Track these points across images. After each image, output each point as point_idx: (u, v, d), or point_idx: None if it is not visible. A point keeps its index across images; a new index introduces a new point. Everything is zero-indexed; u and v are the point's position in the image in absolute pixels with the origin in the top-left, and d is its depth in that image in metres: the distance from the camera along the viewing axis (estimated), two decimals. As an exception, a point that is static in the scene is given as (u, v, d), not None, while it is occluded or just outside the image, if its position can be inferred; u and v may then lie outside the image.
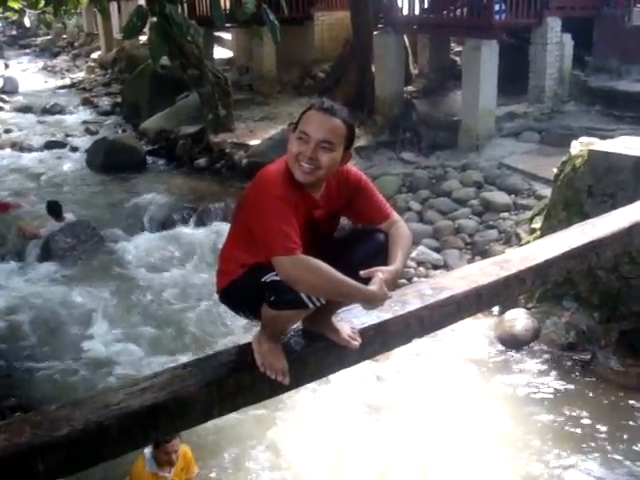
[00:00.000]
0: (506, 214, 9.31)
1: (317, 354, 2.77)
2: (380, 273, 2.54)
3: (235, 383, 2.59)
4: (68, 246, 9.84)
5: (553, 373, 6.60)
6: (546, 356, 6.84)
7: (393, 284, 2.61)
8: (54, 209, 10.27)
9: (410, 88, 14.20)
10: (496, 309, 7.45)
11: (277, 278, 2.48)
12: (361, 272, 2.52)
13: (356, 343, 2.75)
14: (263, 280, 2.53)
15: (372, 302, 2.55)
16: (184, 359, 6.62)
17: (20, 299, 8.44)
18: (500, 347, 7.05)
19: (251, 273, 2.60)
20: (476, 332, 7.23)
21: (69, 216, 10.34)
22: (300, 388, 2.94)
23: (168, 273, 9.30)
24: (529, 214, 8.80)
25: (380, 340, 2.94)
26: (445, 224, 9.39)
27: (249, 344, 2.73)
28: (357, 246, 2.72)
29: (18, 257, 9.67)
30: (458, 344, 7.04)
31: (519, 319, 7.16)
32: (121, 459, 3.19)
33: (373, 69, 13.74)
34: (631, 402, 6.18)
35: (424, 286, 3.27)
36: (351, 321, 2.88)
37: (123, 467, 4.94)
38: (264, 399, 2.74)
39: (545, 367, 6.70)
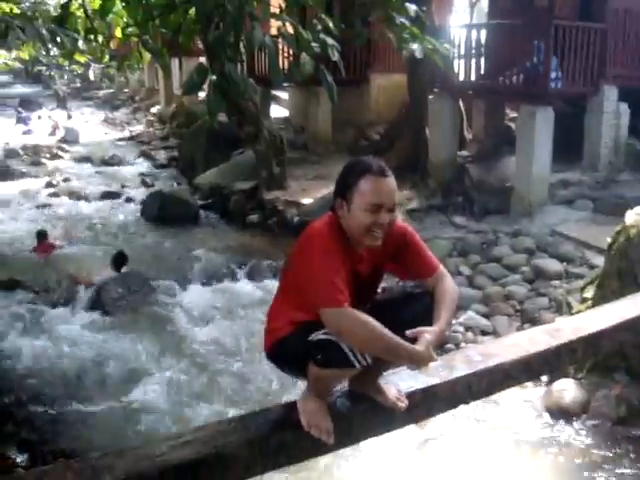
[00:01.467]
0: (557, 282, 9.18)
1: (362, 415, 2.76)
2: (427, 334, 2.53)
3: (278, 441, 2.60)
4: (119, 296, 9.94)
5: (603, 448, 6.41)
6: (596, 430, 6.65)
7: (438, 344, 2.60)
8: (120, 260, 10.44)
9: (464, 153, 14.24)
10: (544, 378, 7.31)
11: (324, 336, 2.49)
12: (407, 332, 2.52)
13: (402, 405, 2.74)
14: (310, 338, 2.54)
15: (418, 362, 2.54)
16: (227, 414, 6.70)
17: (68, 346, 8.52)
18: (547, 418, 6.88)
19: (299, 331, 2.62)
20: (523, 402, 7.08)
21: (124, 269, 10.49)
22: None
23: (215, 326, 9.34)
24: (581, 283, 8.68)
25: (426, 405, 2.92)
26: (495, 290, 9.31)
27: (294, 402, 2.74)
28: (404, 309, 2.72)
29: (68, 304, 9.78)
30: (504, 413, 6.90)
31: (568, 390, 7.00)
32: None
33: (427, 133, 13.84)
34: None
35: (473, 352, 3.25)
36: (397, 384, 2.86)
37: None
38: (307, 459, 2.73)
39: (595, 441, 6.51)
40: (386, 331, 2.47)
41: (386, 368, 2.76)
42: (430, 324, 2.63)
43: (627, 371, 6.98)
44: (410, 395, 2.81)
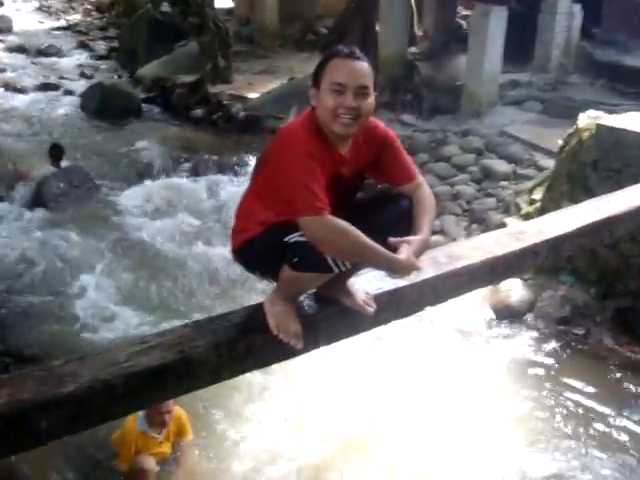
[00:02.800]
0: (505, 183, 9.21)
1: (330, 319, 2.71)
2: (409, 243, 2.46)
3: (246, 345, 2.52)
4: (61, 191, 9.65)
5: (546, 346, 6.56)
6: (540, 329, 6.79)
7: (421, 253, 2.53)
8: (56, 153, 10.06)
9: (414, 49, 14.01)
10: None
11: (302, 239, 2.39)
12: (390, 240, 2.44)
13: (371, 310, 2.68)
14: (286, 240, 2.43)
15: (399, 271, 2.47)
16: (187, 314, 6.62)
17: (9, 245, 8.30)
18: (493, 317, 7.00)
19: (272, 232, 2.50)
20: (470, 300, 7.15)
21: (64, 162, 10.15)
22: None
23: (160, 222, 9.18)
24: (529, 184, 8.71)
25: (394, 307, 2.88)
26: (443, 189, 9.30)
27: (261, 305, 2.65)
28: (381, 211, 2.63)
29: (7, 200, 9.48)
30: (451, 311, 6.95)
31: (515, 290, 7.10)
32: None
33: (377, 27, 13.53)
34: (622, 379, 6.16)
35: (439, 254, 3.20)
36: (366, 286, 2.80)
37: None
38: (275, 362, 2.68)
39: (538, 340, 6.66)
40: (366, 239, 2.38)
41: (356, 271, 2.68)
42: (408, 227, 2.55)
43: (573, 272, 7.09)
44: (378, 298, 2.75)
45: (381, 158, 2.69)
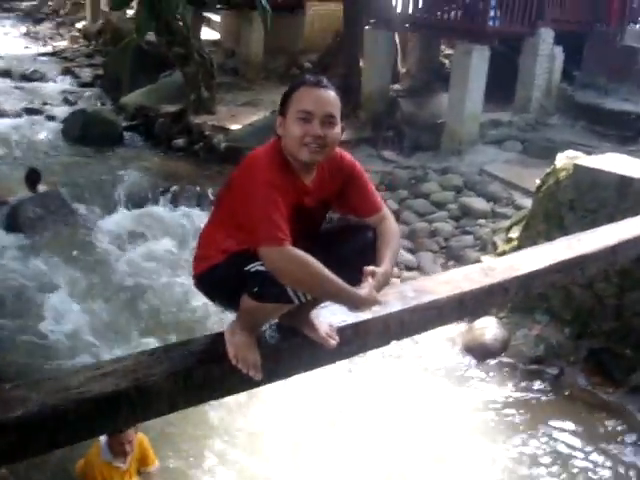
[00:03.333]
0: (483, 221, 9.23)
1: (292, 350, 2.65)
2: (370, 277, 2.42)
3: (204, 375, 2.47)
4: (36, 216, 9.57)
5: (519, 386, 6.52)
6: (514, 368, 6.75)
7: (383, 287, 2.49)
8: (32, 177, 10.00)
9: (396, 86, 14.10)
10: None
11: (262, 268, 2.35)
12: (365, 269, 2.42)
13: (333, 343, 2.62)
14: (247, 269, 2.39)
15: (359, 305, 2.43)
16: (148, 342, 6.55)
17: (-19, 267, 8.20)
18: (466, 356, 6.95)
19: (233, 260, 2.46)
20: (443, 339, 7.12)
21: (41, 187, 10.07)
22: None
23: (136, 252, 9.10)
24: (507, 223, 8.73)
25: (358, 341, 2.83)
26: (421, 226, 9.30)
27: (221, 334, 2.60)
28: (345, 242, 2.59)
29: (-20, 224, 9.39)
30: (424, 349, 6.94)
31: (489, 328, 7.06)
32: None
33: (361, 64, 13.62)
34: (595, 419, 6.13)
35: (406, 288, 3.17)
36: (329, 318, 2.75)
37: (79, 450, 4.80)
38: (233, 393, 2.62)
39: (512, 380, 6.61)
40: (326, 272, 2.34)
41: (319, 303, 2.64)
42: (372, 259, 2.51)
43: (547, 311, 7.08)
44: (342, 330, 2.70)
45: (346, 189, 2.66)
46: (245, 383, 2.51)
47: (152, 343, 6.27)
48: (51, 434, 2.21)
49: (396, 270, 8.32)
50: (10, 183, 10.49)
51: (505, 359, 6.89)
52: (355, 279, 2.43)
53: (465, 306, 3.19)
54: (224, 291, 2.55)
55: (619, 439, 5.87)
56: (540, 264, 3.56)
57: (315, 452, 5.53)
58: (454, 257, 8.66)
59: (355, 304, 2.43)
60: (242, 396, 5.71)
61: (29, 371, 6.20)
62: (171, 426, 5.48)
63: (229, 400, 5.61)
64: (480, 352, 6.94)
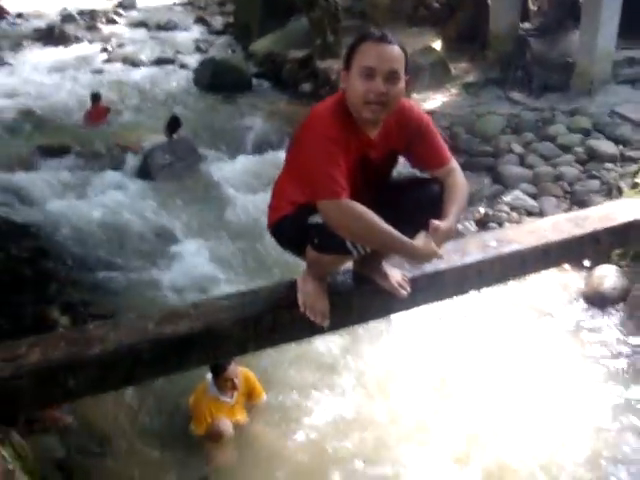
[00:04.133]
0: (611, 165, 8.84)
1: (363, 298, 2.71)
2: (431, 230, 2.43)
3: (273, 320, 2.56)
4: (166, 163, 9.97)
5: (635, 338, 6.32)
6: (632, 319, 6.53)
7: (444, 241, 2.49)
8: (174, 125, 10.41)
9: (526, 25, 13.57)
10: (587, 263, 7.16)
11: (322, 221, 2.41)
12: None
13: (404, 292, 2.66)
14: (309, 221, 2.46)
15: (416, 258, 2.45)
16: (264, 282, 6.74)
17: (112, 212, 8.64)
18: (583, 303, 6.77)
19: (300, 212, 2.53)
20: (561, 285, 6.97)
21: (178, 135, 10.46)
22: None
23: (260, 197, 9.32)
24: (635, 167, 8.36)
25: (433, 290, 2.85)
26: (546, 170, 9.02)
27: (295, 281, 2.69)
28: (411, 195, 2.60)
29: (116, 170, 9.86)
30: (540, 295, 6.81)
31: (609, 276, 6.83)
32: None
33: (489, 2, 13.20)
34: None
35: (489, 237, 3.15)
36: (405, 267, 2.79)
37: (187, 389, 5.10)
38: (302, 339, 2.71)
39: (628, 330, 6.40)
40: (384, 225, 2.36)
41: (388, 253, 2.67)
42: (438, 213, 2.51)
43: (672, 259, 6.79)
44: (416, 279, 2.73)
45: (414, 142, 2.64)
46: (314, 329, 2.59)
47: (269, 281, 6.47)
48: (127, 371, 2.39)
49: (516, 215, 8.17)
50: (143, 130, 10.94)
51: (624, 310, 6.67)
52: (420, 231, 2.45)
53: (550, 257, 3.13)
54: (293, 241, 2.63)
55: None
56: (637, 215, 3.42)
57: (425, 394, 5.57)
58: (578, 202, 8.38)
59: (411, 255, 2.45)
60: (350, 333, 5.86)
61: (145, 306, 6.53)
62: (279, 362, 5.67)
63: (336, 337, 5.76)
64: (598, 300, 6.74)
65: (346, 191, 2.35)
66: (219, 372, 4.88)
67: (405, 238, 2.40)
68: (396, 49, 2.46)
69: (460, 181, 2.62)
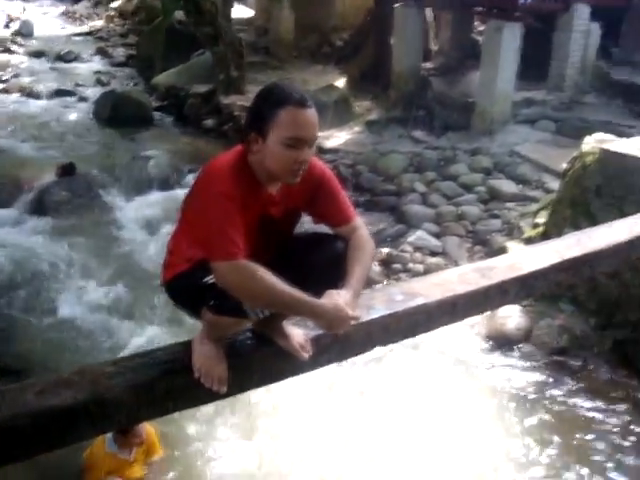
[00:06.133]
0: (512, 204, 9.01)
1: (264, 360, 2.53)
2: (337, 296, 2.28)
3: (166, 387, 2.36)
4: (63, 199, 9.61)
5: (541, 377, 6.34)
6: (536, 358, 6.56)
7: (353, 305, 2.34)
8: (68, 172, 10.06)
9: (428, 65, 13.83)
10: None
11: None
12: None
13: (306, 355, 2.50)
14: (205, 280, 2.28)
15: (326, 320, 2.29)
16: (171, 330, 6.50)
17: (5, 250, 8.21)
18: (489, 344, 6.78)
19: (195, 270, 2.34)
20: (466, 326, 6.95)
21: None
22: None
23: (161, 235, 9.05)
24: (535, 207, 8.50)
25: (337, 348, 2.69)
26: (448, 209, 9.11)
27: (189, 342, 2.50)
28: (314, 254, 2.45)
29: (8, 206, 9.43)
30: (445, 337, 6.76)
31: (512, 317, 6.88)
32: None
33: (392, 42, 13.38)
34: (618, 414, 5.94)
35: (395, 291, 3.02)
36: (307, 327, 2.63)
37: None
38: (199, 405, 2.51)
39: (534, 370, 6.43)
40: (283, 286, 2.19)
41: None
42: (341, 272, 2.37)
43: (572, 301, 6.88)
44: (319, 339, 2.57)
45: (316, 197, 2.50)
46: (211, 395, 2.40)
47: (175, 331, 6.26)
48: (6, 450, 2.15)
49: (419, 256, 8.17)
50: (38, 167, 10.52)
51: (527, 348, 6.70)
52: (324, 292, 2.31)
53: (458, 310, 3.03)
54: (188, 300, 2.45)
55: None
56: (544, 263, 3.37)
57: (330, 439, 5.45)
58: (481, 242, 8.47)
59: (319, 317, 2.29)
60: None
61: (47, 358, 6.21)
62: (176, 415, 5.42)
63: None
64: (502, 341, 6.78)
65: (242, 251, 2.18)
66: (125, 432, 4.62)
67: (312, 299, 2.24)
68: (315, 114, 2.32)
69: (365, 240, 2.49)
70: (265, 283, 2.18)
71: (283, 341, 2.51)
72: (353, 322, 2.35)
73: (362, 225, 2.53)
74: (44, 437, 2.23)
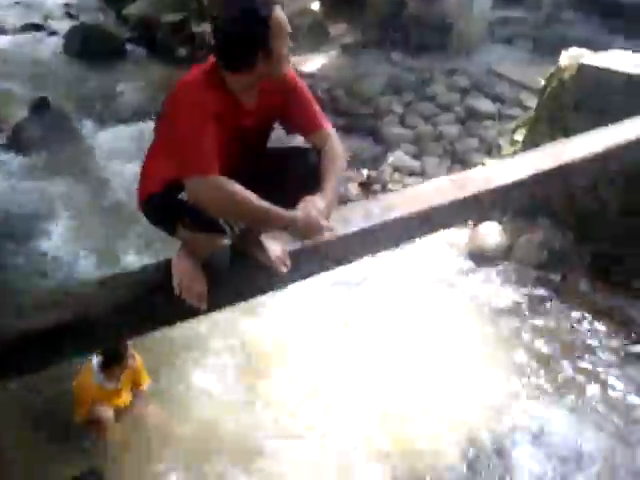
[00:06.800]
0: (490, 123, 8.99)
1: (243, 275, 2.56)
2: (311, 203, 2.27)
3: (148, 305, 2.38)
4: (37, 135, 9.46)
5: (521, 292, 6.44)
6: (517, 274, 6.66)
7: (328, 214, 2.33)
8: (41, 106, 9.87)
9: (404, -15, 13.56)
10: (470, 222, 7.24)
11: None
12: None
13: (284, 268, 2.51)
14: (179, 198, 2.27)
15: (299, 231, 2.29)
16: (142, 260, 6.49)
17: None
18: (469, 261, 6.85)
19: (170, 188, 2.33)
20: (447, 245, 7.03)
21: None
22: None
23: (134, 167, 8.97)
24: (513, 125, 8.49)
25: (316, 262, 2.73)
26: (426, 130, 9.08)
27: (170, 261, 2.51)
28: (287, 166, 2.45)
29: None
30: (426, 256, 6.83)
31: (492, 234, 6.94)
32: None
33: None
34: (597, 325, 6.06)
35: (372, 205, 3.04)
36: (286, 241, 2.64)
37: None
38: (181, 321, 2.53)
39: (515, 286, 6.53)
40: (254, 199, 2.19)
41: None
42: (315, 183, 2.37)
43: (551, 216, 6.91)
44: (297, 253, 2.59)
45: (288, 106, 2.50)
46: (193, 312, 2.42)
47: (146, 260, 6.25)
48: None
49: (397, 176, 8.17)
50: (9, 104, 10.36)
51: (508, 265, 6.79)
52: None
53: (434, 222, 3.06)
54: (164, 219, 2.45)
55: (618, 345, 5.81)
56: (518, 174, 3.39)
57: (317, 364, 5.55)
58: (459, 160, 8.47)
59: (293, 229, 2.28)
60: (236, 310, 5.70)
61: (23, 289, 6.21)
62: (165, 344, 5.47)
63: (222, 317, 5.59)
64: (483, 258, 6.85)
65: (215, 167, 2.17)
66: (114, 363, 4.67)
67: (283, 211, 2.23)
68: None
69: (336, 147, 2.48)
70: (237, 197, 2.17)
71: (262, 255, 2.52)
72: (328, 232, 2.35)
73: (334, 133, 2.52)
74: (30, 357, 2.25)
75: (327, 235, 2.35)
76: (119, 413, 4.93)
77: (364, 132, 9.36)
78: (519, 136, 7.83)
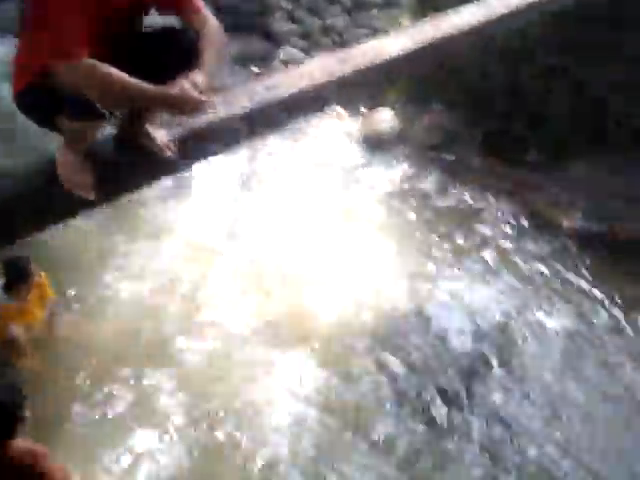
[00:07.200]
0: (376, 11, 8.96)
1: (131, 165, 2.50)
2: (185, 79, 2.20)
3: (36, 202, 2.32)
4: None
5: (418, 172, 6.57)
6: (412, 156, 6.78)
7: (205, 89, 2.26)
8: None
9: None
10: (364, 110, 7.30)
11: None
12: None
13: (169, 153, 2.48)
14: (53, 87, 2.17)
15: (177, 106, 2.22)
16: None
17: None
18: (365, 148, 6.93)
19: (44, 77, 2.22)
20: (341, 133, 7.08)
21: None
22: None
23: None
24: (399, 11, 8.49)
25: (203, 146, 2.69)
26: (315, 23, 8.99)
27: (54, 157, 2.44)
28: (164, 44, 2.36)
29: None
30: (321, 144, 6.88)
31: (385, 119, 7.03)
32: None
33: None
34: (491, 200, 6.26)
35: (257, 85, 3.00)
36: (172, 129, 2.59)
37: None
38: (73, 216, 2.48)
39: (410, 167, 6.66)
40: (131, 81, 2.11)
41: (153, 111, 2.45)
42: (193, 62, 2.28)
43: (443, 100, 7.01)
44: (184, 138, 2.55)
45: None
46: (84, 204, 2.37)
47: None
48: None
49: (289, 70, 8.11)
50: None
51: (403, 148, 6.89)
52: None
53: (321, 98, 3.06)
54: (40, 111, 2.34)
55: (513, 218, 6.04)
56: (402, 49, 3.41)
57: (226, 254, 5.56)
58: (349, 52, 8.44)
59: (171, 105, 2.22)
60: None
61: None
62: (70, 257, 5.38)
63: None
64: (377, 143, 6.94)
65: (85, 50, 2.08)
66: (20, 281, 4.54)
67: (159, 88, 2.17)
68: None
69: (215, 28, 2.39)
70: (110, 79, 2.09)
71: (149, 142, 2.47)
72: (211, 109, 2.32)
73: (212, 16, 2.43)
74: None
75: (209, 111, 2.31)
76: (33, 329, 4.83)
77: (252, 30, 9.18)
78: (405, 22, 7.81)
